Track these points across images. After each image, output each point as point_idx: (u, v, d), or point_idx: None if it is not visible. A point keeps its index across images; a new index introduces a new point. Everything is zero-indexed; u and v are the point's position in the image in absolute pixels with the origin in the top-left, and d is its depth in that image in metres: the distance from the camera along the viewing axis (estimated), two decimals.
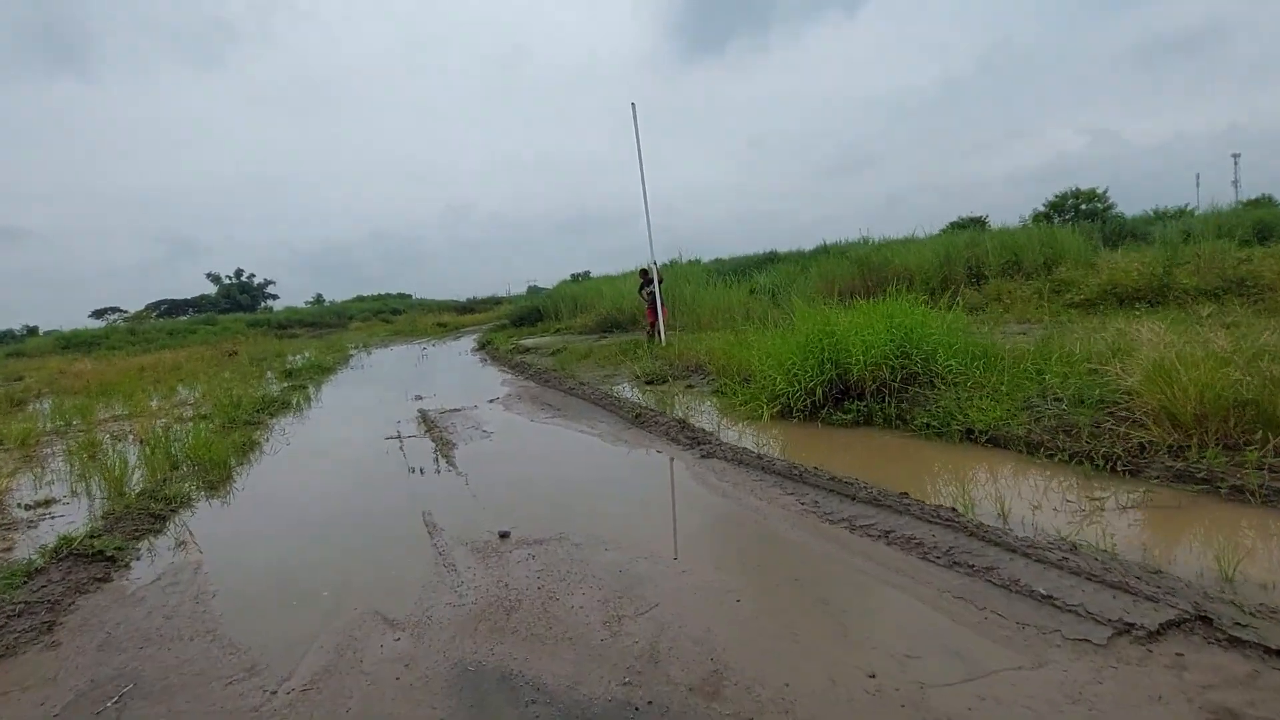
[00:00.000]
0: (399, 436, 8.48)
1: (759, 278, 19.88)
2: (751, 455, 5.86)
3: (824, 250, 25.49)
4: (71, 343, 40.88)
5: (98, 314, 63.90)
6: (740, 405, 7.71)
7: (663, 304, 14.70)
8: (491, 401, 10.55)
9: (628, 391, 9.95)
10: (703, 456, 6.10)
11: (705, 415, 7.91)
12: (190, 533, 5.34)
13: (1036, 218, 33.47)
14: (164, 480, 6.80)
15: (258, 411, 11.33)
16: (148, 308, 66.96)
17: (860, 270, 18.12)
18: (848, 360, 7.00)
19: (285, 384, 15.34)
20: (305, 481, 6.92)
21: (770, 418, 7.17)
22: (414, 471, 6.73)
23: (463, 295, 57.03)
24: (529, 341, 19.97)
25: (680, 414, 7.84)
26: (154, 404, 14.10)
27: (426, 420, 9.32)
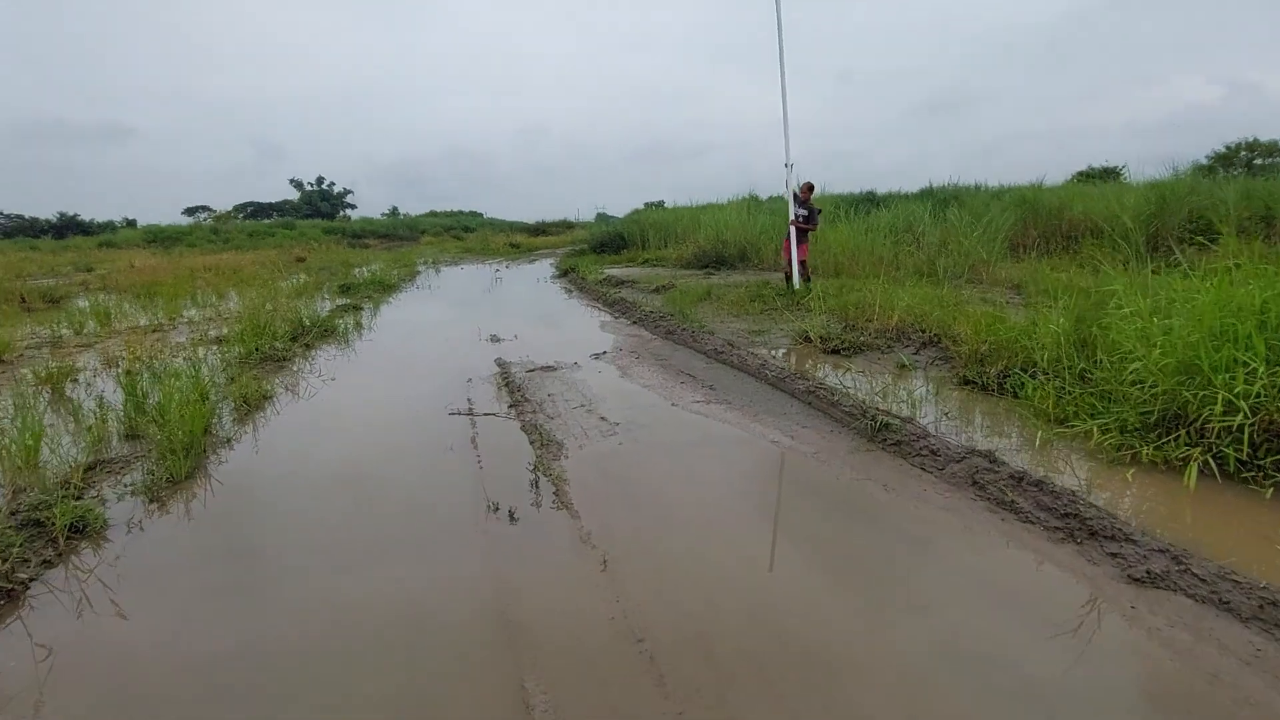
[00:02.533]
0: (470, 413, 5.27)
1: (878, 217, 15.74)
2: None
3: (929, 193, 21.23)
4: (158, 237, 39.64)
5: (189, 212, 63.03)
6: (1103, 440, 4.05)
7: (808, 238, 11.00)
8: (597, 357, 7.23)
9: (801, 360, 6.51)
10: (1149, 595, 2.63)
11: (1015, 441, 4.37)
12: None
13: (1197, 170, 27.72)
14: (82, 469, 3.72)
15: (294, 340, 8.34)
16: (235, 209, 65.87)
17: (1024, 216, 13.89)
18: None
19: (340, 300, 12.40)
20: (289, 518, 3.75)
21: (1150, 460, 3.62)
22: (492, 511, 3.50)
23: (533, 217, 53.56)
24: (617, 272, 16.51)
25: (978, 440, 4.31)
26: (190, 313, 11.32)
27: (509, 384, 6.07)
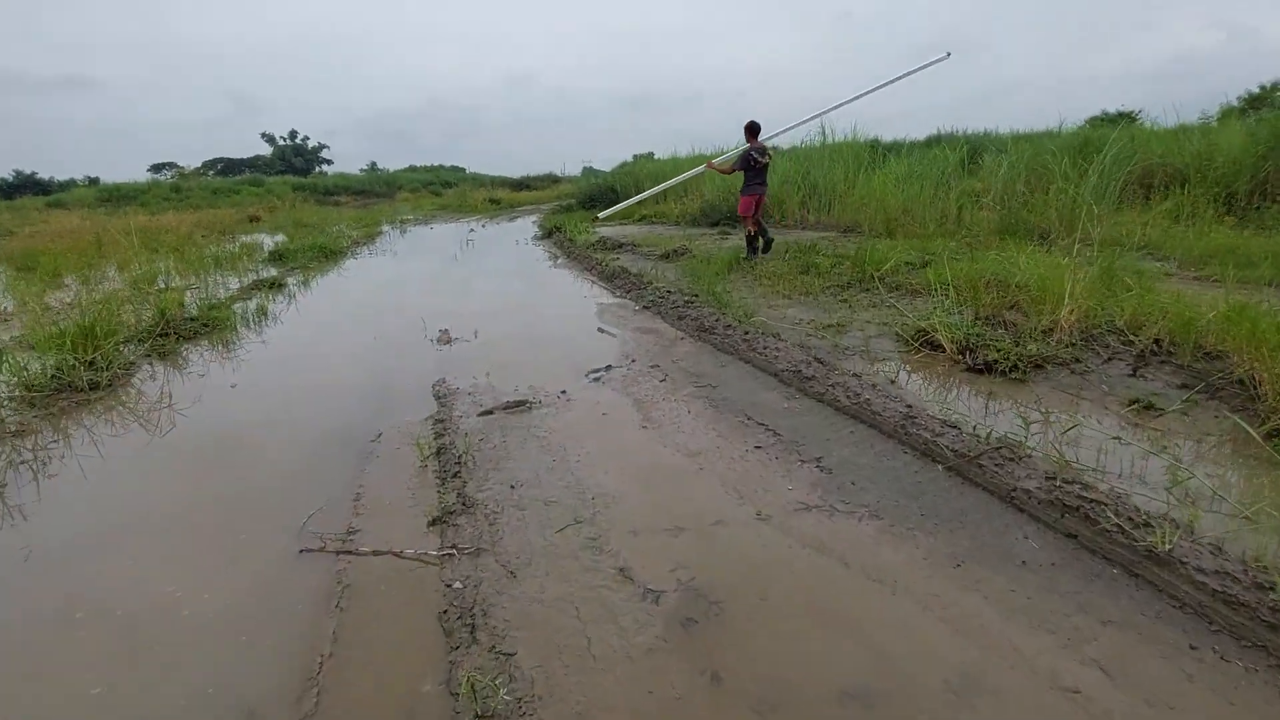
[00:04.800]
0: (343, 548, 2.45)
1: (892, 167, 12.68)
2: None
3: (937, 140, 18.30)
4: (113, 196, 35.88)
5: (155, 169, 58.48)
6: None
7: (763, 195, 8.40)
8: (598, 379, 4.39)
9: (945, 389, 3.72)
10: None
11: None
12: None
13: (1227, 113, 24.64)
14: None
15: (146, 340, 5.48)
16: (204, 165, 61.35)
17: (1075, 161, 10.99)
18: None
19: (266, 273, 9.40)
20: None
21: None
22: None
23: (518, 172, 49.43)
24: (611, 232, 13.52)
25: None
26: (54, 297, 8.32)
27: (445, 452, 3.25)
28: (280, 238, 14.62)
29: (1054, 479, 2.51)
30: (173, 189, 38.73)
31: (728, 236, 11.39)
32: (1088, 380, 3.77)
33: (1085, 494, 2.34)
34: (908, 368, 4.17)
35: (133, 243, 14.33)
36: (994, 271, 5.57)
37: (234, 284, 8.72)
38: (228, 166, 60.59)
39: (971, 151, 13.48)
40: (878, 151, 14.08)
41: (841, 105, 9.89)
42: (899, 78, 9.33)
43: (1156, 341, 4.03)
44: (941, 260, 6.94)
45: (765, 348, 4.43)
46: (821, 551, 2.34)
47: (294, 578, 2.34)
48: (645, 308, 6.41)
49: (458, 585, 2.20)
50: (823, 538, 2.42)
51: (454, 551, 2.39)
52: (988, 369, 3.97)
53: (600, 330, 5.76)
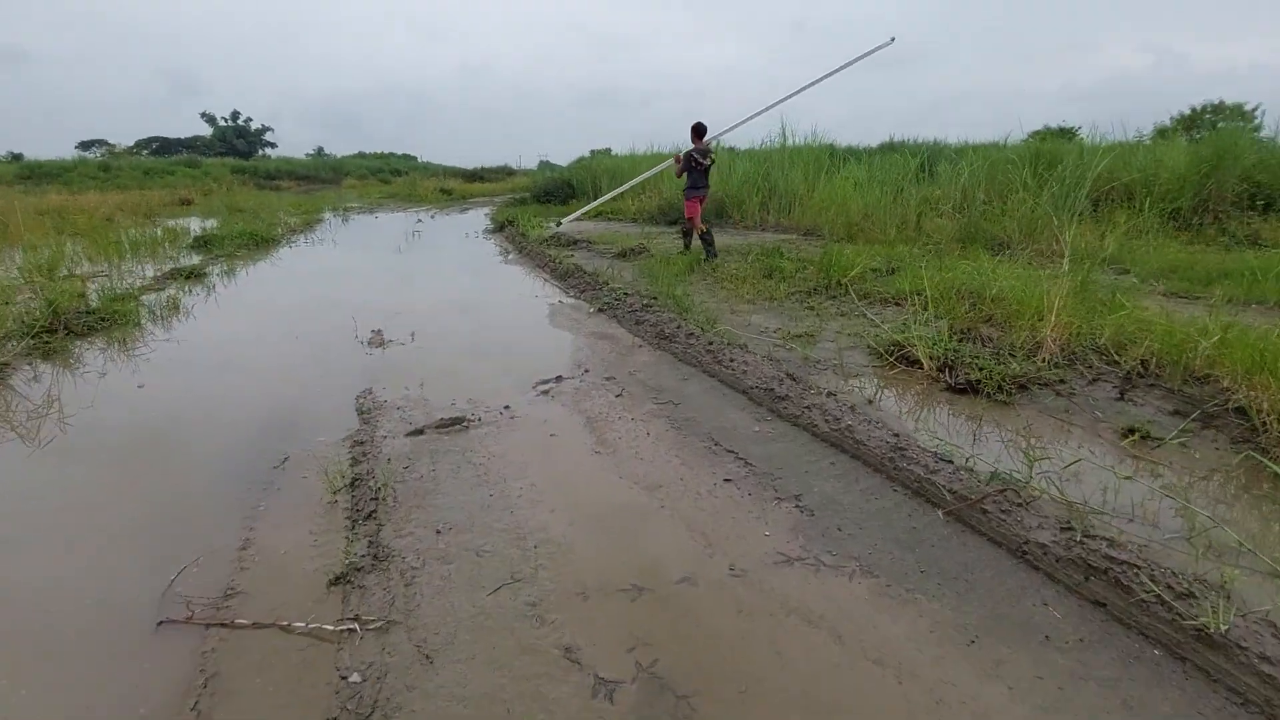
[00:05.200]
0: (213, 619, 1.92)
1: (851, 171, 12.56)
2: None
3: (891, 147, 18.50)
4: (33, 173, 33.36)
5: (84, 146, 54.92)
6: None
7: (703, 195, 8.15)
8: (546, 390, 3.90)
9: (925, 412, 3.37)
10: None
11: None
12: None
13: (1161, 132, 25.51)
14: None
15: (31, 336, 4.76)
16: (137, 144, 57.91)
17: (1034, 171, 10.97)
18: None
19: (185, 261, 8.54)
20: None
21: None
22: None
23: (472, 163, 48.04)
24: (565, 227, 13.00)
25: None
26: None
27: (361, 481, 2.73)
28: (211, 223, 13.57)
29: (1070, 529, 2.16)
30: (101, 168, 36.29)
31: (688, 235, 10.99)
32: (1075, 404, 3.49)
33: (1112, 553, 1.99)
34: (885, 386, 3.83)
35: (51, 224, 13.12)
36: (967, 282, 5.32)
37: (149, 273, 7.87)
38: (163, 146, 57.30)
39: (924, 160, 13.45)
40: (835, 156, 13.94)
41: (790, 96, 9.73)
42: (848, 64, 9.20)
43: (1143, 363, 3.80)
44: (908, 268, 6.70)
45: (732, 360, 4.03)
46: (810, 621, 1.93)
47: (144, 663, 1.80)
48: (601, 310, 5.94)
49: (355, 678, 1.71)
50: (809, 602, 2.02)
51: (356, 626, 1.89)
52: (970, 389, 3.66)
53: (552, 326, 5.26)
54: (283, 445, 3.15)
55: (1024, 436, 3.09)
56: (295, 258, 9.80)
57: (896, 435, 2.89)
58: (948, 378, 3.79)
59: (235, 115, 59.95)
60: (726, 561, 2.22)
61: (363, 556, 2.21)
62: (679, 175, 8.31)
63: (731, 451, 3.02)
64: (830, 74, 9.15)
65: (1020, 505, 2.32)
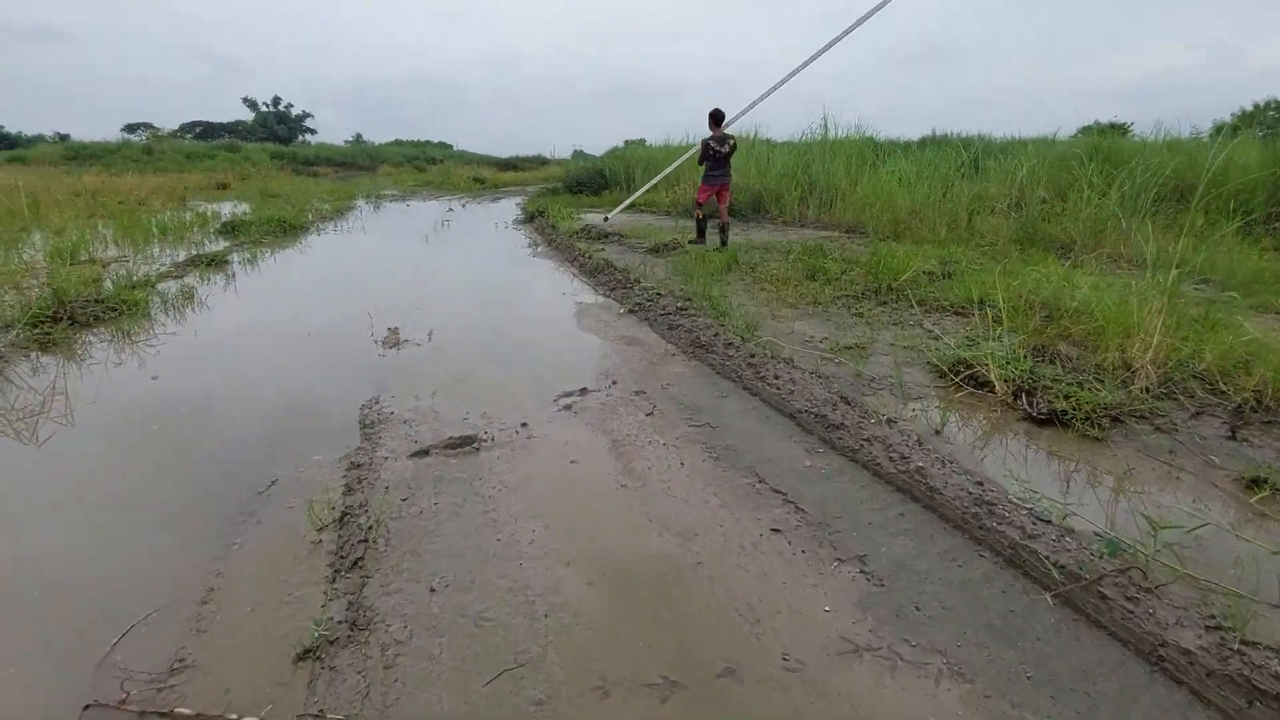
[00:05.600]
0: (146, 710, 1.56)
1: (896, 165, 11.86)
2: None
3: (933, 141, 17.69)
4: (79, 154, 34.19)
5: (130, 129, 56.08)
6: None
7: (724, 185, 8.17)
8: (569, 405, 3.49)
9: (999, 447, 2.88)
10: None
11: None
12: None
13: (1219, 129, 24.03)
14: None
15: (40, 324, 4.55)
16: (181, 128, 59.00)
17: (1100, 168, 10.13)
18: None
19: (211, 247, 8.35)
20: None
21: None
22: None
23: (506, 152, 47.80)
24: (596, 218, 12.58)
25: None
26: None
27: (353, 517, 2.35)
28: (244, 208, 13.45)
29: (1220, 629, 1.69)
30: (144, 150, 36.95)
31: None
32: (1179, 443, 2.97)
33: None
34: (953, 412, 3.34)
35: (85, 205, 13.15)
36: (1035, 290, 4.77)
37: (172, 258, 7.67)
38: (206, 130, 58.27)
39: (976, 155, 12.69)
40: (878, 150, 13.24)
41: (799, 70, 9.47)
42: (853, 27, 9.01)
43: (1256, 395, 3.25)
44: (965, 272, 6.15)
45: (776, 377, 3.57)
46: None
47: None
48: (631, 311, 5.52)
49: None
50: (886, 714, 1.58)
51: None
52: (1053, 420, 3.16)
53: (578, 328, 4.86)
54: (273, 464, 2.80)
55: (1130, 486, 2.59)
56: (321, 246, 9.55)
57: (980, 484, 2.42)
58: (1026, 405, 3.29)
59: (276, 101, 60.68)
60: (779, 647, 1.79)
61: (339, 623, 1.83)
62: (700, 164, 8.15)
63: (779, 492, 2.58)
64: (838, 39, 9.02)
65: (1148, 590, 1.85)
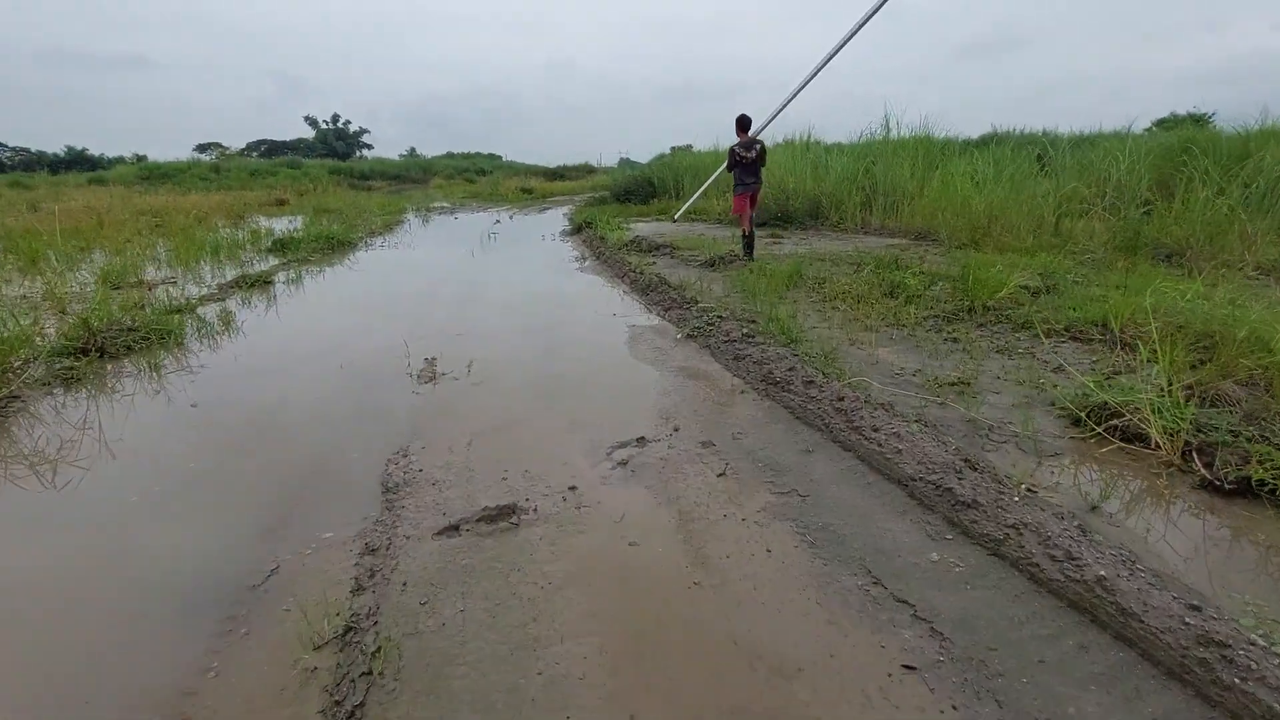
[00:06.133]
0: None
1: (963, 165, 10.88)
2: None
3: (994, 138, 16.58)
4: (152, 174, 35.81)
5: (201, 148, 58.65)
6: None
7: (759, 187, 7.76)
8: (624, 462, 2.92)
9: (1174, 541, 2.18)
10: None
11: None
12: None
13: None
14: None
15: (74, 355, 4.27)
16: (248, 146, 61.47)
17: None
18: None
19: (260, 265, 8.16)
20: None
21: None
22: None
23: (554, 161, 47.94)
24: (646, 229, 12.05)
25: None
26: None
27: (345, 644, 1.83)
28: (298, 223, 13.44)
29: None
30: (212, 169, 38.45)
31: (780, 240, 9.82)
32: None
33: None
34: (1105, 477, 2.63)
35: (145, 223, 13.37)
36: (1172, 310, 3.99)
37: (221, 277, 7.49)
38: (271, 148, 60.43)
39: (1061, 151, 11.63)
40: (941, 149, 12.29)
41: (817, 71, 8.86)
42: (864, 22, 8.35)
43: None
44: (1069, 286, 5.36)
45: (875, 429, 2.93)
46: None
47: None
48: (690, 336, 4.93)
49: None
50: None
51: None
52: (1244, 489, 2.43)
53: (632, 357, 4.30)
54: (278, 543, 2.33)
55: None
56: (367, 262, 9.29)
57: (1195, 608, 1.74)
58: (1202, 468, 2.57)
59: (335, 118, 62.58)
60: None
61: None
62: (729, 170, 7.71)
63: (905, 602, 1.96)
64: (850, 36, 8.42)
65: None
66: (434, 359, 4.48)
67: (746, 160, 7.42)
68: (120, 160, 52.36)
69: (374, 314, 6.09)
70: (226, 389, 4.01)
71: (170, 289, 7.00)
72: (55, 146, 51.74)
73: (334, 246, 10.31)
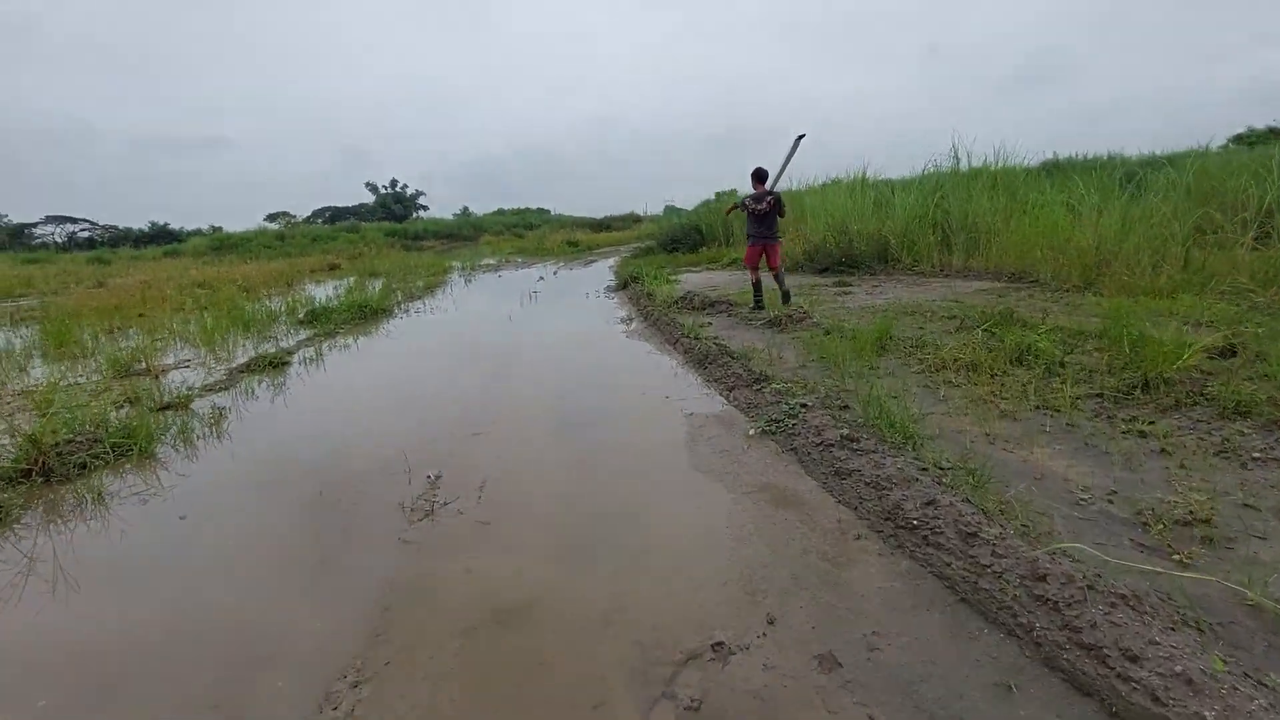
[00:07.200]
0: None
1: (1054, 195, 9.45)
2: None
3: (1056, 165, 15.53)
4: (223, 244, 37.31)
5: (271, 218, 61.51)
6: None
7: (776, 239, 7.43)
8: (693, 700, 1.77)
9: None
10: None
11: None
12: None
13: None
14: None
15: (23, 475, 3.37)
16: (313, 213, 64.18)
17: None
18: None
19: (285, 340, 7.44)
20: None
21: None
22: None
23: (600, 212, 48.00)
24: (696, 281, 11.02)
25: None
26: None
27: None
28: (341, 289, 12.97)
29: None
30: (277, 237, 39.82)
31: (849, 290, 8.59)
32: None
33: None
34: None
35: (192, 296, 13.10)
36: None
37: (246, 355, 6.77)
38: (334, 214, 62.86)
39: (1126, 176, 10.12)
40: (1007, 180, 10.88)
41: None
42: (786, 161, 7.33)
43: None
44: (1261, 341, 3.98)
45: (1124, 648, 1.68)
46: None
47: None
48: (767, 432, 3.76)
49: None
50: None
51: None
52: None
53: (691, 468, 3.15)
54: None
55: None
56: (398, 332, 8.50)
57: None
58: None
59: (393, 183, 64.88)
60: None
61: None
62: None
63: None
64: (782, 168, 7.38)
65: None
66: (438, 476, 3.44)
67: (756, 211, 7.23)
68: (197, 232, 55.24)
69: (384, 404, 5.14)
70: (167, 541, 3.04)
71: (185, 372, 6.29)
72: (140, 222, 54.85)
73: (367, 315, 9.61)
